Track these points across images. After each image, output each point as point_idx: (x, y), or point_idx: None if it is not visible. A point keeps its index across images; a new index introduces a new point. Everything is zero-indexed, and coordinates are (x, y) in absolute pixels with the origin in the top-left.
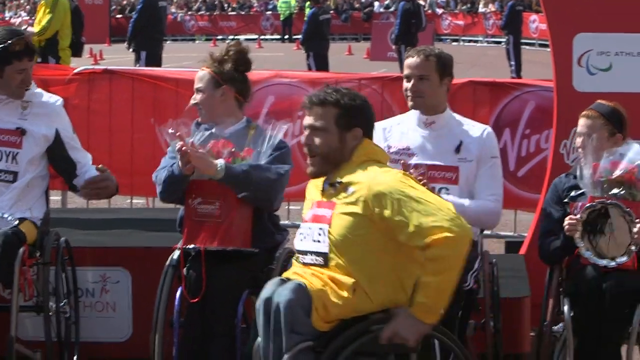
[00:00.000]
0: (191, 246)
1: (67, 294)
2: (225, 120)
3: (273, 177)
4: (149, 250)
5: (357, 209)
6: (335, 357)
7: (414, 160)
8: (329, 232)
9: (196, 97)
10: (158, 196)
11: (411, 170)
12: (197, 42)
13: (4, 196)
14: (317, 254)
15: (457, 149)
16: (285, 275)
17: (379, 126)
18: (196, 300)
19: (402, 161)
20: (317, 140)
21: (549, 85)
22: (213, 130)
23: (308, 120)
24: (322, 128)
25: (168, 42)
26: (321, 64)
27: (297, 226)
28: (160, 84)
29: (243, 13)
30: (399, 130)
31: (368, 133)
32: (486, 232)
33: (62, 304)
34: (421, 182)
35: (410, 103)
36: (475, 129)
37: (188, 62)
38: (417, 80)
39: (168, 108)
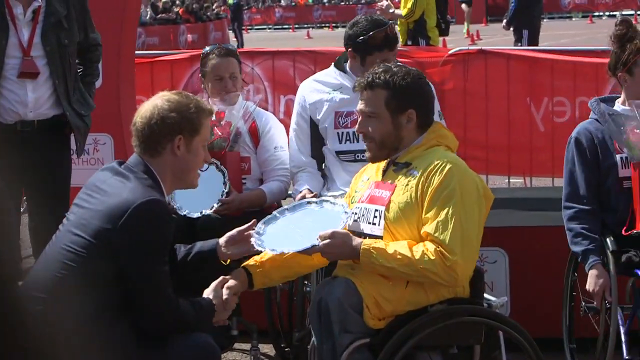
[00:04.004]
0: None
1: None
2: None
3: None
4: (526, 230)
5: (415, 192)
6: (394, 353)
7: None
8: (385, 215)
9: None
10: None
11: None
12: (573, 19)
13: None
14: (372, 237)
15: None
16: (334, 272)
17: None
18: None
19: None
20: (370, 127)
21: None
22: None
23: (359, 105)
24: (372, 114)
25: (545, 20)
26: None
27: None
28: (536, 63)
29: None
30: None
31: (425, 112)
32: None
33: None
34: None
35: None
36: None
37: (565, 40)
38: None
39: (544, 87)
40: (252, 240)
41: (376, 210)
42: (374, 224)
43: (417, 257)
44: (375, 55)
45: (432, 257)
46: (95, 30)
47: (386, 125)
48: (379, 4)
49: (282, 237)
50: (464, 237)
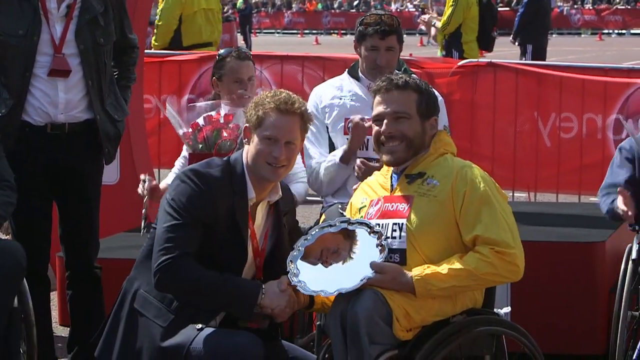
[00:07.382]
0: None
1: None
2: None
3: None
4: (528, 244)
5: (442, 200)
6: None
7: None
8: (408, 227)
9: None
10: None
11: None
12: (582, 36)
13: None
14: (394, 251)
15: None
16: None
17: None
18: None
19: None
20: (400, 127)
21: None
22: None
23: (387, 107)
24: (404, 114)
25: (553, 35)
26: None
27: None
28: (544, 78)
29: (629, 7)
30: None
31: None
32: None
33: None
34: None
35: None
36: None
37: (573, 56)
38: None
39: (551, 103)
40: (293, 283)
41: (395, 223)
42: (393, 237)
43: (473, 265)
44: (368, 41)
45: (490, 259)
46: (132, 31)
47: (416, 127)
48: (422, 17)
49: (321, 274)
50: (512, 230)
